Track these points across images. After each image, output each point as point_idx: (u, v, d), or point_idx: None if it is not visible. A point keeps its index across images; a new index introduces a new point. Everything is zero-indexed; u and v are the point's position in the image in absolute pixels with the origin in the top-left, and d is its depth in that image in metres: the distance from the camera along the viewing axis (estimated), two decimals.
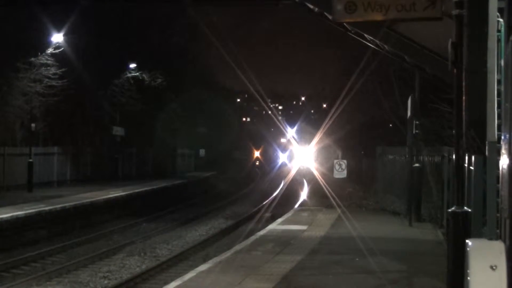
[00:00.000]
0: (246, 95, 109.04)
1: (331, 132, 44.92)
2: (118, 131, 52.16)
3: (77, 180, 45.14)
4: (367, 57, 35.03)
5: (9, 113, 39.68)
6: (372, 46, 23.12)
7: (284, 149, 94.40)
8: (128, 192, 39.35)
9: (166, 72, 52.82)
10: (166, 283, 14.90)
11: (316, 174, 47.30)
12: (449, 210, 8.85)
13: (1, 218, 26.64)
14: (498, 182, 9.17)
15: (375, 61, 29.39)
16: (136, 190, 40.79)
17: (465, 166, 9.40)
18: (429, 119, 26.92)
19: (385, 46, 23.51)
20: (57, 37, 39.79)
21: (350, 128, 46.67)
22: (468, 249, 6.74)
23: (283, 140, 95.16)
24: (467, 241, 6.91)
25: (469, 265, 6.48)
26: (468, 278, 6.41)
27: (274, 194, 46.21)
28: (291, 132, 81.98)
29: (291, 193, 47.53)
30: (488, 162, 9.38)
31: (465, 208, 8.70)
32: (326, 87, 47.74)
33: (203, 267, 16.18)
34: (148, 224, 31.42)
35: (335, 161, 30.14)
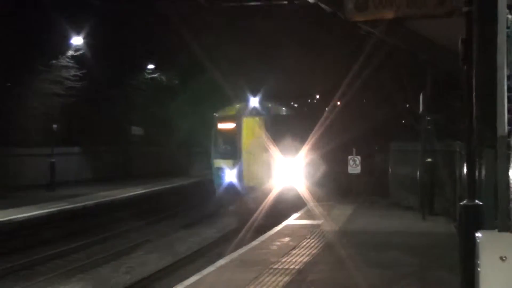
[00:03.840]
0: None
1: (343, 128, 44.16)
2: (136, 130, 52.32)
3: (95, 179, 45.29)
4: (378, 53, 34.91)
5: (29, 114, 39.92)
6: (376, 38, 23.05)
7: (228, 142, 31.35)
8: (146, 191, 39.55)
9: (182, 73, 52.85)
10: (186, 277, 14.93)
11: None
12: (461, 203, 8.85)
13: (24, 216, 26.87)
14: (509, 176, 9.14)
15: (379, 55, 29.28)
16: (154, 189, 40.94)
17: (476, 160, 9.39)
18: (441, 114, 26.84)
19: (397, 42, 23.43)
20: (77, 40, 39.97)
21: (364, 125, 46.47)
22: (478, 241, 6.76)
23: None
24: (477, 233, 6.91)
25: (479, 256, 6.50)
26: (478, 269, 6.42)
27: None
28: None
29: None
30: (499, 156, 9.36)
31: (477, 201, 8.70)
32: (339, 84, 47.27)
33: (221, 262, 16.24)
34: (167, 222, 31.41)
35: (349, 157, 30.06)
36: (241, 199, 28.75)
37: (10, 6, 33.20)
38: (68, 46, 40.58)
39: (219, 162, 30.10)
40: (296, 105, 36.62)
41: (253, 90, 30.42)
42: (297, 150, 28.68)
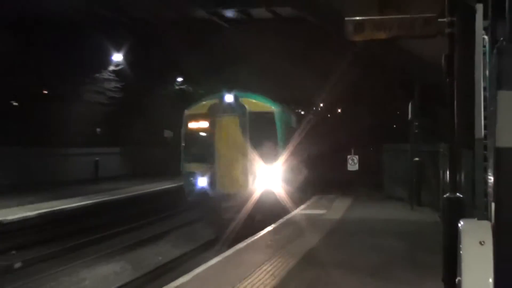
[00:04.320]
0: None
1: (342, 132, 44.08)
2: (168, 133, 52.33)
3: (132, 175, 45.45)
4: (374, 67, 34.89)
5: (78, 120, 40.25)
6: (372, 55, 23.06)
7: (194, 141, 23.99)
8: (176, 185, 39.70)
9: (201, 81, 52.57)
10: (210, 259, 14.99)
11: None
12: (445, 196, 8.87)
13: (74, 206, 27.01)
14: (485, 172, 9.17)
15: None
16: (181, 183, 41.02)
17: (457, 159, 9.41)
18: (427, 120, 26.81)
19: (390, 58, 23.42)
20: (117, 57, 40.15)
21: (361, 129, 46.42)
22: (460, 227, 6.79)
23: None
24: (460, 221, 6.95)
25: (461, 241, 6.54)
26: (461, 252, 6.47)
27: None
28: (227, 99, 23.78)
29: None
30: (476, 156, 9.41)
31: (458, 194, 8.73)
32: (340, 94, 47.19)
33: (240, 246, 16.28)
34: (191, 212, 31.31)
35: (348, 156, 30.14)
36: (214, 208, 22.73)
37: (60, 29, 33.42)
38: (109, 62, 40.81)
39: (190, 167, 23.49)
40: (302, 112, 35.98)
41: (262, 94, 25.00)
42: (279, 153, 23.01)
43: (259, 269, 13.11)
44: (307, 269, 13.15)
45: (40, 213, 24.89)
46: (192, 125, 23.74)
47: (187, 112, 24.05)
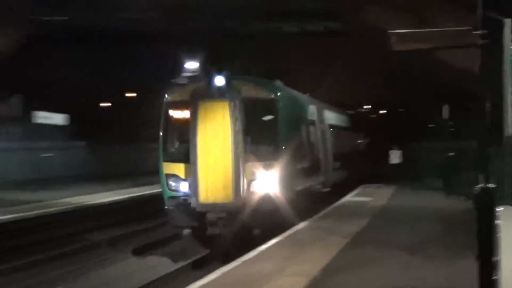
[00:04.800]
0: None
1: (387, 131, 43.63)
2: None
3: None
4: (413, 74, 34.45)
5: (152, 118, 40.90)
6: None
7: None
8: None
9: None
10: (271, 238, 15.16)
11: None
12: (477, 186, 8.92)
13: (145, 194, 27.50)
14: None
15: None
16: None
17: (488, 154, 9.43)
18: (461, 120, 26.53)
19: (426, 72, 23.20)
20: (192, 64, 40.57)
21: (401, 127, 45.91)
22: (498, 213, 6.92)
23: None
24: (497, 207, 7.06)
25: (500, 224, 6.68)
26: (499, 234, 6.63)
27: None
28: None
29: None
30: (505, 151, 9.43)
31: (489, 184, 8.77)
32: (383, 97, 46.80)
33: (299, 226, 16.40)
34: None
35: (390, 151, 30.19)
36: (198, 221, 15.74)
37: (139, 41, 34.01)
38: (184, 69, 41.33)
39: (169, 167, 16.49)
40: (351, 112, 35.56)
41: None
42: (283, 150, 16.08)
43: (314, 247, 13.28)
44: (355, 247, 13.28)
45: (124, 198, 25.61)
46: (173, 114, 16.85)
47: (167, 98, 17.10)
